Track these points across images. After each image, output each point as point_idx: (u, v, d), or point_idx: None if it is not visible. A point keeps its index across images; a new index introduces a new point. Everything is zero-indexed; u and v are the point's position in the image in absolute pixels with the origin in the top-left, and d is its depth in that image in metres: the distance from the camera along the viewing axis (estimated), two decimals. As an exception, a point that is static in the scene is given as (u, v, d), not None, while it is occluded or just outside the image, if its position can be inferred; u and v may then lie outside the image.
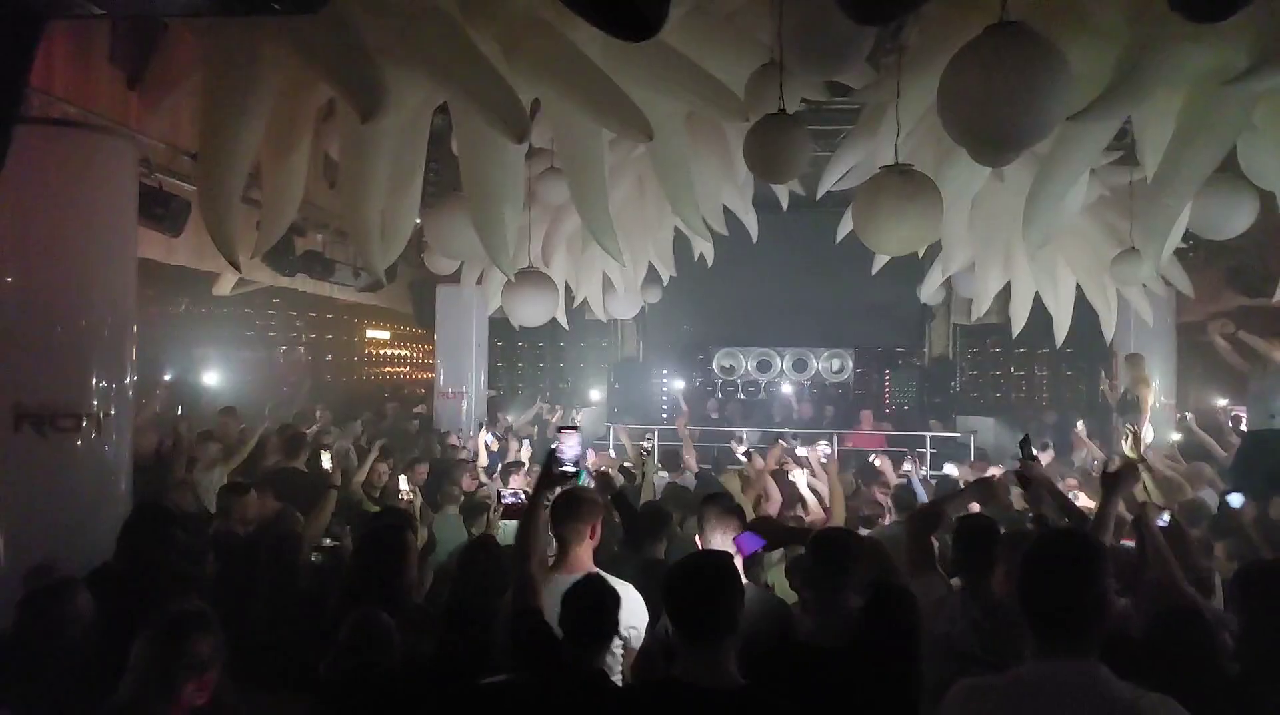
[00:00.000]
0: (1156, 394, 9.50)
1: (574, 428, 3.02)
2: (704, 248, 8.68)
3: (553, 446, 2.94)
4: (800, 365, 13.68)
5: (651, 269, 9.49)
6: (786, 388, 13.39)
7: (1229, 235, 6.78)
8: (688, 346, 13.98)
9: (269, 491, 5.13)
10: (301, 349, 13.86)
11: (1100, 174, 7.00)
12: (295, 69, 4.58)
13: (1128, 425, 5.88)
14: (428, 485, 6.67)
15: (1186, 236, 7.45)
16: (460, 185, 5.42)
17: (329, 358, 14.45)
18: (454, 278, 9.82)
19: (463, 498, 6.28)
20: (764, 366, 13.73)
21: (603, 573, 2.89)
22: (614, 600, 2.59)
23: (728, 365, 13.83)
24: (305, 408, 9.30)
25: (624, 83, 4.52)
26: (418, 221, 6.57)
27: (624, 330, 14.12)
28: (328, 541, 4.56)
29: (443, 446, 8.99)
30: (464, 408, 11.30)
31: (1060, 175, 5.06)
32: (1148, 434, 9.10)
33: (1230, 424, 8.63)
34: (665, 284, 10.35)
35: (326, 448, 6.34)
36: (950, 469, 7.83)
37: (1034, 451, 3.74)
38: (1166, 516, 3.85)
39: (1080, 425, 9.26)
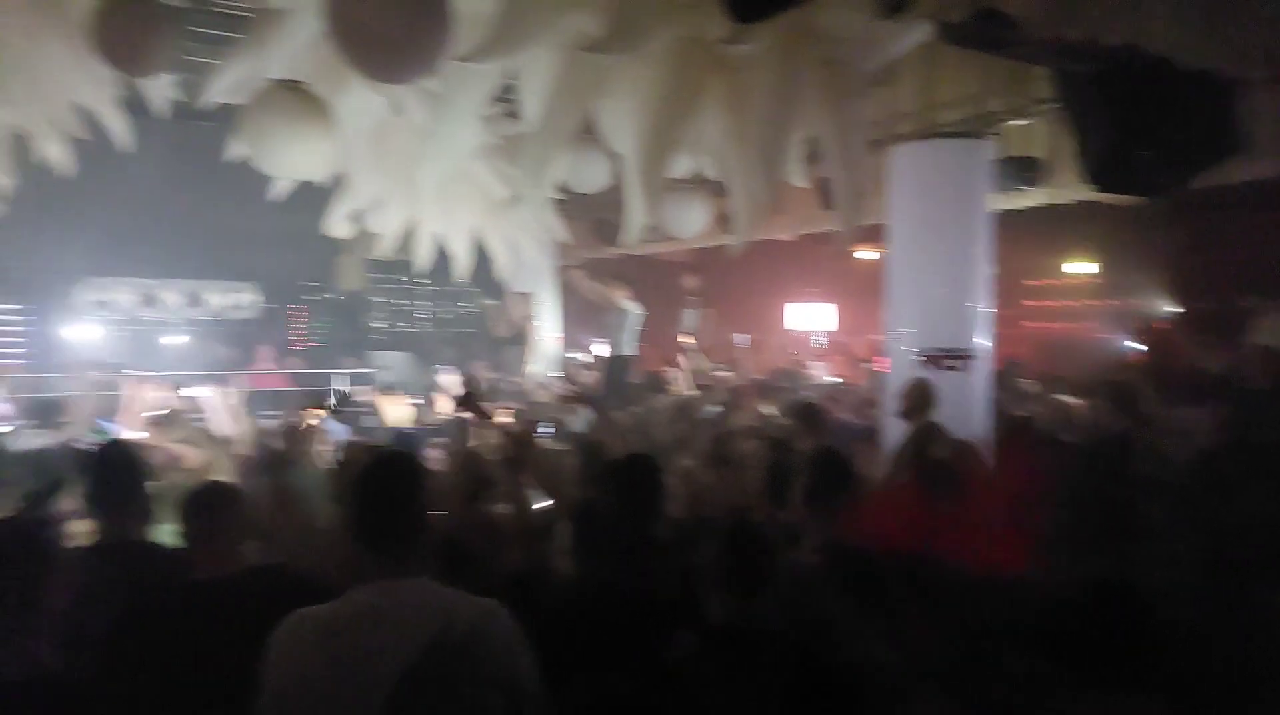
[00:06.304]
0: (541, 329, 10.72)
1: None
2: (58, 153, 6.96)
3: None
4: (196, 300, 12.21)
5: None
6: (184, 325, 11.90)
7: (591, 190, 7.83)
8: (46, 276, 11.39)
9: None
10: None
11: (494, 123, 7.40)
12: None
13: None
14: None
15: (565, 189, 8.41)
16: None
17: None
18: None
19: None
20: (151, 301, 11.91)
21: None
22: None
23: (102, 300, 11.66)
24: None
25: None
26: None
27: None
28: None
29: None
30: None
31: (451, 116, 5.17)
32: (535, 364, 10.25)
33: None
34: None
35: None
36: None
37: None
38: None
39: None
